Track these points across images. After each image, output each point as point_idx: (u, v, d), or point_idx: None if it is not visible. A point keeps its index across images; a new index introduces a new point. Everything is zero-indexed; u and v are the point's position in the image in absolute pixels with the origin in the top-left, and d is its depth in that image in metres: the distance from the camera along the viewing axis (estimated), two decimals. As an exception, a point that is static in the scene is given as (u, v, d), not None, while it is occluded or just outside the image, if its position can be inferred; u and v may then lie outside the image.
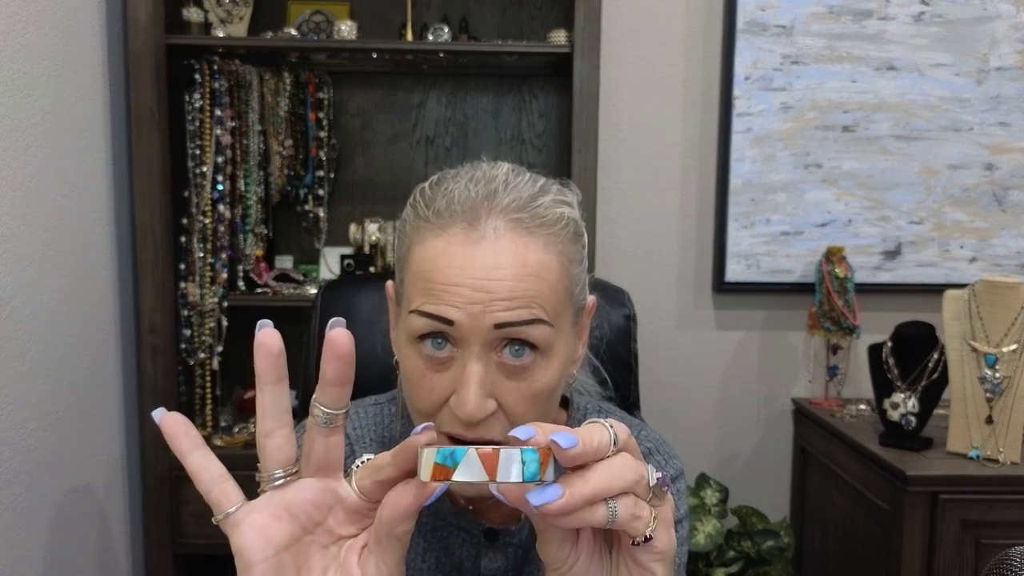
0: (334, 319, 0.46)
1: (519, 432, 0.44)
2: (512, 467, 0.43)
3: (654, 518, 0.47)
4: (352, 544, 0.49)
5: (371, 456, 0.49)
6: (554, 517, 0.44)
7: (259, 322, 0.47)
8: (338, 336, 0.45)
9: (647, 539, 0.46)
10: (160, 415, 0.47)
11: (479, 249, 0.63)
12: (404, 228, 0.70)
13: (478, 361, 0.63)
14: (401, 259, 0.70)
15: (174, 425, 0.47)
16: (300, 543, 0.48)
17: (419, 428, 0.47)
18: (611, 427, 0.46)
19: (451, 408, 0.64)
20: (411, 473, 0.47)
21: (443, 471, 0.43)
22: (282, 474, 0.47)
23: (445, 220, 0.65)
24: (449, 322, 0.62)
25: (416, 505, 0.46)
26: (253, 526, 0.46)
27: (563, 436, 0.43)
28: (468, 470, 0.43)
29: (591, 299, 0.74)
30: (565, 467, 0.45)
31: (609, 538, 0.51)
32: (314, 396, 0.47)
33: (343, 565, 0.49)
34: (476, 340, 0.62)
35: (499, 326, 0.62)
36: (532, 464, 0.43)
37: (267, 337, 0.45)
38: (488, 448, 0.43)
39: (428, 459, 0.44)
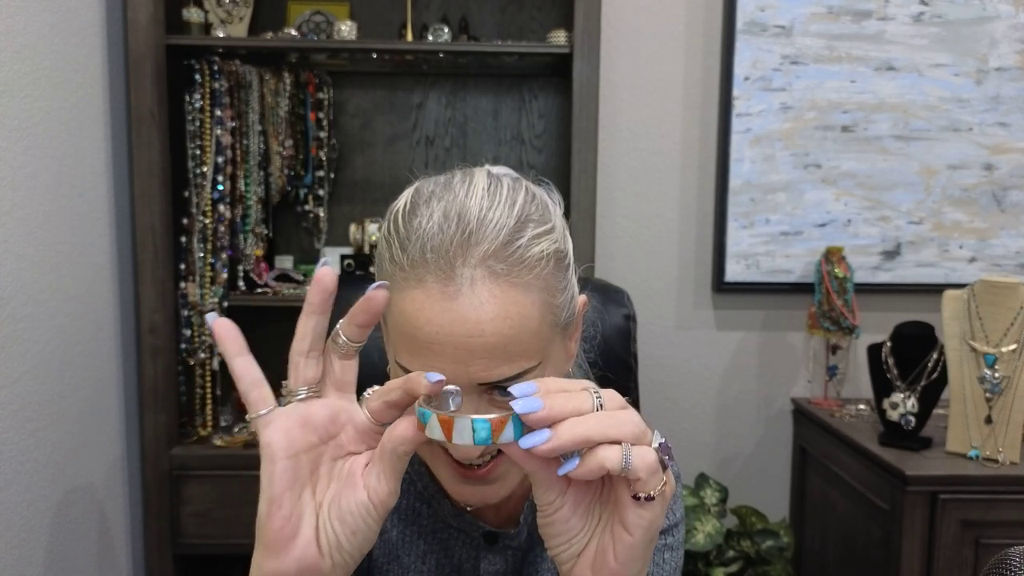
0: (378, 283, 0.54)
1: (515, 389, 0.50)
2: (463, 433, 0.50)
3: (664, 483, 0.50)
4: (356, 460, 0.56)
5: (378, 387, 0.57)
6: (545, 457, 0.49)
7: (321, 260, 0.55)
8: (377, 295, 0.54)
9: (650, 498, 0.50)
10: (213, 319, 0.54)
11: (457, 304, 0.59)
12: (382, 264, 0.67)
13: (468, 405, 0.62)
14: None
15: (225, 330, 0.54)
16: (315, 450, 0.55)
17: (430, 376, 0.53)
18: (598, 396, 0.51)
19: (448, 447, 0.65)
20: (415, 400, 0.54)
21: (420, 426, 0.52)
22: (305, 391, 0.55)
23: (420, 271, 0.61)
24: None
25: (422, 438, 0.53)
26: (281, 427, 0.53)
27: (525, 402, 0.49)
28: (433, 430, 0.51)
29: (582, 299, 0.71)
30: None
31: (605, 499, 0.54)
32: (339, 327, 0.55)
33: (349, 474, 0.55)
34: (464, 390, 0.61)
35: (483, 384, 0.61)
36: (482, 432, 0.50)
37: (325, 276, 0.54)
38: (446, 415, 0.50)
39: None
